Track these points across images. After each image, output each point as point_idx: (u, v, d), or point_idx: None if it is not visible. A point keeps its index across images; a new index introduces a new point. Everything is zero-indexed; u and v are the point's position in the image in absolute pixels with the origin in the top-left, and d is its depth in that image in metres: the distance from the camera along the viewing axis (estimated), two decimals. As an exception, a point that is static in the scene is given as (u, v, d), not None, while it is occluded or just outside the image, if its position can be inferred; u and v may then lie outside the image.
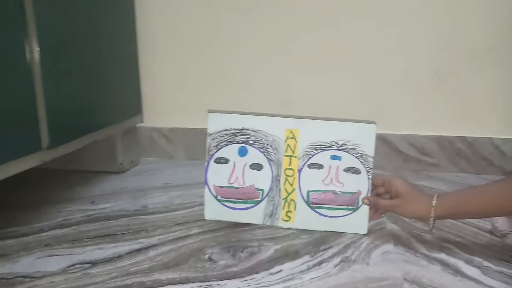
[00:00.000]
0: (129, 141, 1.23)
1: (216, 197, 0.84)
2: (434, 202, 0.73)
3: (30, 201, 0.99)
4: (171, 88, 1.31)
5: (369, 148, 0.81)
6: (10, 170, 0.76)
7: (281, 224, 0.83)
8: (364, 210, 0.82)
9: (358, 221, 0.82)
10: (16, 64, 0.77)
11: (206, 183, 0.84)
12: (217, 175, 0.83)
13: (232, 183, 0.83)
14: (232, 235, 0.81)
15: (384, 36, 1.18)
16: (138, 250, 0.76)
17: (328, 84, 1.23)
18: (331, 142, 0.81)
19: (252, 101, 1.26)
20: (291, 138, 0.82)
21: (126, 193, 1.04)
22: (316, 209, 0.83)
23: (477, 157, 1.19)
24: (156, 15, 1.26)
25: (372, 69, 1.20)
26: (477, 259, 0.73)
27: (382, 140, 1.21)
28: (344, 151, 0.81)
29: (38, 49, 0.80)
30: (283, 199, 0.83)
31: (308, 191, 0.82)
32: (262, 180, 0.83)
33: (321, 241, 0.79)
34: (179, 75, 1.29)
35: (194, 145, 1.29)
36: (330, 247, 0.77)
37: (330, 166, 0.82)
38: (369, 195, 0.81)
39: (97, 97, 1.03)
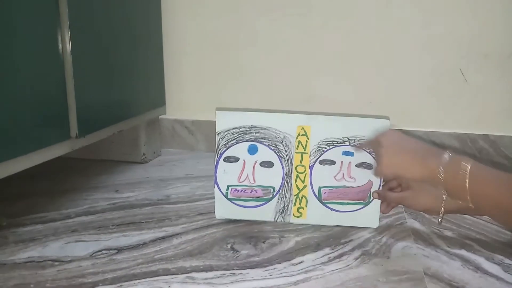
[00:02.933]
0: (152, 132, 1.25)
1: (226, 196, 0.83)
2: (444, 196, 0.73)
3: (58, 188, 1.02)
4: (194, 82, 1.33)
5: None
6: (41, 157, 0.79)
7: (293, 220, 0.84)
8: (376, 204, 0.82)
9: (370, 215, 0.82)
10: (49, 56, 0.79)
11: (215, 182, 0.82)
12: (226, 174, 0.82)
13: (243, 182, 0.82)
14: (254, 226, 0.83)
15: (406, 35, 1.17)
16: (163, 238, 0.78)
17: (350, 82, 1.23)
18: (343, 138, 0.81)
19: (273, 98, 1.27)
20: (303, 134, 0.81)
21: (149, 182, 1.06)
22: (328, 205, 0.83)
23: (499, 156, 1.18)
24: (181, 12, 1.28)
25: (395, 67, 1.20)
26: (498, 257, 0.73)
27: (403, 137, 1.21)
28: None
29: (70, 41, 0.82)
30: (295, 195, 0.83)
31: (320, 187, 0.83)
32: (273, 177, 0.82)
33: (342, 234, 0.80)
34: (202, 70, 1.31)
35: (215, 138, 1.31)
36: (350, 241, 0.78)
37: (342, 162, 0.81)
38: (380, 189, 0.82)
39: (123, 89, 1.05)
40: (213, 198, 0.84)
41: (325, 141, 0.81)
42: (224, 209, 0.83)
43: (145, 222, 0.85)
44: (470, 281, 0.66)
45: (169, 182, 1.07)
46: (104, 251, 0.73)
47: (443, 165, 0.63)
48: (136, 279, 0.65)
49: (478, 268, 0.69)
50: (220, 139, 0.81)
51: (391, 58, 1.20)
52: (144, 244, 0.76)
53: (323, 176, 0.82)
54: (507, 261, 0.71)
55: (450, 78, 1.18)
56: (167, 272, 0.67)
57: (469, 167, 0.62)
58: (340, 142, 0.81)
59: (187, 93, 1.34)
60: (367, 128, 0.80)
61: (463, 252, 0.74)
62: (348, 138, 0.81)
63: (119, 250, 0.74)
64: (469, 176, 0.61)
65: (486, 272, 0.68)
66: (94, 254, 0.72)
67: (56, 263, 0.69)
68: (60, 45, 0.81)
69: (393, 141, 0.71)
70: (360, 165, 0.81)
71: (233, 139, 0.81)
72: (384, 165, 0.70)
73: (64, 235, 0.79)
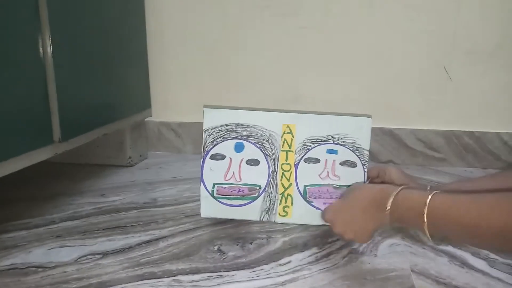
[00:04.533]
0: (138, 135, 1.24)
1: (212, 194, 0.82)
2: (429, 187, 0.73)
3: (42, 193, 1.00)
4: (180, 83, 1.32)
5: (365, 141, 0.81)
6: (23, 162, 0.77)
7: (278, 219, 0.82)
8: None
9: None
10: (29, 59, 0.78)
11: (201, 180, 0.81)
12: (213, 172, 0.81)
13: (229, 180, 0.82)
14: (241, 227, 0.82)
15: (390, 33, 1.18)
16: (149, 242, 0.77)
17: (336, 80, 1.23)
18: (327, 136, 0.81)
19: (259, 98, 1.27)
20: (288, 133, 0.81)
21: (136, 186, 1.05)
22: (313, 204, 0.83)
23: (484, 151, 1.19)
24: (165, 11, 1.27)
25: (381, 65, 1.20)
26: (484, 252, 0.73)
27: (390, 135, 1.22)
28: (341, 144, 0.81)
29: (51, 44, 0.81)
30: (280, 194, 0.82)
31: (305, 186, 0.82)
32: (258, 175, 0.82)
33: (329, 233, 0.80)
34: (188, 70, 1.30)
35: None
36: (338, 239, 0.78)
37: (326, 160, 0.82)
38: None
39: (107, 92, 1.04)
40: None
41: (310, 139, 0.81)
42: (209, 208, 0.82)
43: (131, 226, 0.84)
44: (457, 276, 0.66)
45: (155, 185, 1.06)
46: (89, 256, 0.72)
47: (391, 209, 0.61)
48: (121, 284, 0.64)
49: (464, 264, 0.70)
50: (207, 137, 0.81)
51: (375, 57, 1.20)
52: (130, 248, 0.75)
53: (308, 174, 0.82)
54: (492, 256, 0.72)
55: (434, 75, 1.19)
56: (153, 276, 0.66)
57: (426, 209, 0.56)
58: (325, 140, 0.81)
59: (173, 95, 1.33)
60: (351, 126, 0.81)
61: (449, 248, 0.74)
62: (332, 136, 0.81)
63: (105, 254, 0.73)
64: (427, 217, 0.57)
65: (472, 268, 0.69)
66: (78, 259, 0.71)
67: (40, 270, 0.68)
68: (40, 48, 0.79)
69: (339, 221, 0.70)
70: (344, 163, 0.82)
71: (220, 137, 0.81)
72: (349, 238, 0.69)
73: (49, 240, 0.78)
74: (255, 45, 1.25)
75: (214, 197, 0.82)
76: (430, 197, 0.56)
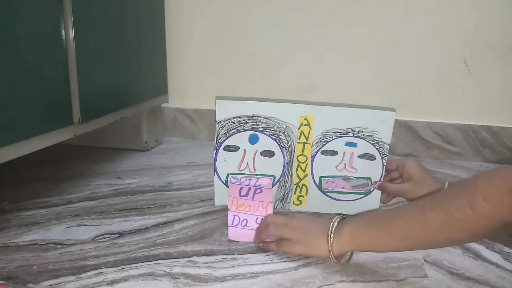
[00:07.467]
0: (154, 121, 1.26)
1: (225, 184, 0.82)
2: (446, 184, 0.74)
3: (61, 174, 1.02)
4: (197, 70, 1.33)
5: (386, 135, 0.80)
6: (45, 142, 0.79)
7: (292, 207, 0.84)
8: (376, 194, 0.82)
9: (369, 205, 0.83)
10: (52, 42, 0.79)
11: (215, 170, 0.81)
12: (226, 163, 0.81)
13: (242, 170, 0.81)
14: (255, 213, 0.83)
15: (410, 24, 1.17)
16: (164, 223, 0.79)
17: (353, 71, 1.22)
18: (347, 129, 0.79)
19: (276, 86, 1.27)
20: (305, 125, 0.79)
21: (151, 170, 1.07)
22: (328, 194, 0.83)
23: (502, 147, 1.18)
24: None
25: (399, 56, 1.19)
26: (498, 245, 0.73)
27: (406, 127, 1.21)
28: (360, 138, 0.80)
29: (73, 28, 0.82)
30: (295, 184, 0.82)
31: (321, 177, 0.82)
32: (273, 166, 0.81)
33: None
34: (205, 58, 1.31)
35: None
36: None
37: (344, 153, 0.81)
38: (381, 180, 0.82)
39: (125, 76, 1.05)
40: (215, 185, 0.84)
41: (328, 132, 0.80)
42: (223, 196, 0.82)
43: (147, 207, 0.85)
44: (470, 268, 0.66)
45: (171, 170, 1.07)
46: (106, 235, 0.74)
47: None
48: (137, 262, 0.65)
49: (478, 256, 0.70)
50: (220, 128, 0.79)
51: (393, 48, 1.19)
52: (146, 229, 0.76)
53: (325, 166, 0.82)
54: (506, 249, 0.72)
55: (453, 68, 1.17)
56: (168, 256, 0.67)
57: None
58: (344, 133, 0.80)
59: (189, 82, 1.34)
60: (372, 119, 0.79)
61: (463, 240, 0.74)
62: (352, 129, 0.80)
63: (121, 234, 0.74)
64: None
65: (486, 260, 0.68)
66: (96, 238, 0.73)
67: (59, 246, 0.70)
68: (63, 31, 0.81)
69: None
70: (362, 156, 0.81)
71: (234, 128, 0.80)
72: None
73: (67, 219, 0.80)
74: (272, 34, 1.25)
75: (227, 186, 0.82)
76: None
